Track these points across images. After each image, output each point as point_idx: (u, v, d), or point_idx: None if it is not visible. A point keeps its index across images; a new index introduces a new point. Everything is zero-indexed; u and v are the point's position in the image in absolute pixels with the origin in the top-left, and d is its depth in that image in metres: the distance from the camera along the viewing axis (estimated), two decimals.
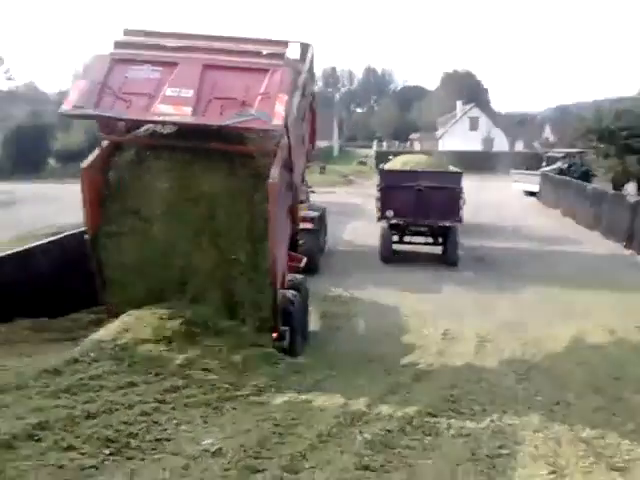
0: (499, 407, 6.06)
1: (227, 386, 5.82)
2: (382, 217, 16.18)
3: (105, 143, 7.35)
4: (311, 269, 14.30)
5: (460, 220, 16.03)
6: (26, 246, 9.02)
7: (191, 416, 4.86)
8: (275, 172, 6.79)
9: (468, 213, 17.19)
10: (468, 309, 12.05)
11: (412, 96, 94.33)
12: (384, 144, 63.18)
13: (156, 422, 4.56)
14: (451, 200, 15.82)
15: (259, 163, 7.25)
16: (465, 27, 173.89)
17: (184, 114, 6.51)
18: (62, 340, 7.27)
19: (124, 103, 6.58)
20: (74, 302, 8.34)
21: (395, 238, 16.71)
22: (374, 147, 59.97)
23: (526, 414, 5.83)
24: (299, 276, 10.08)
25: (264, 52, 7.51)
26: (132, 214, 7.21)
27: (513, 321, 11.20)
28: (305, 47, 11.17)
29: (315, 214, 15.04)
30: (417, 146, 58.21)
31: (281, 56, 7.56)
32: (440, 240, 16.56)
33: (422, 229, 16.39)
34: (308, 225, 14.40)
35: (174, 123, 6.99)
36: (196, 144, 7.17)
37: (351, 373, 7.60)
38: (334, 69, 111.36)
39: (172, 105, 6.58)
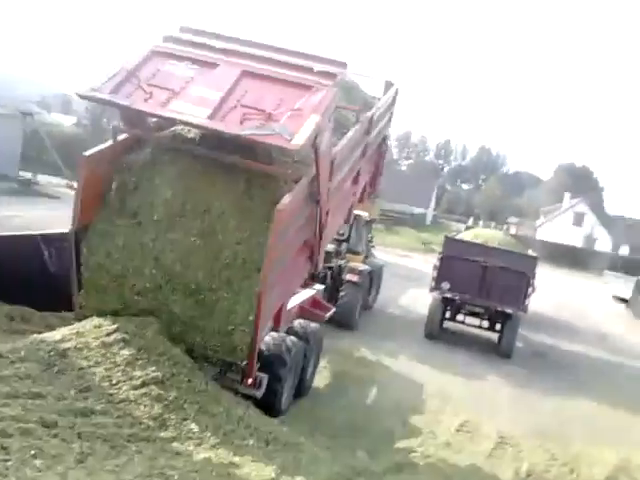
0: None
1: (151, 423, 5.08)
2: (435, 288, 14.58)
3: (122, 137, 7.02)
4: (347, 324, 13.49)
5: (524, 309, 14.26)
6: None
7: (64, 450, 4.14)
8: (287, 199, 6.13)
9: (545, 304, 15.65)
10: (501, 405, 10.61)
11: (522, 182, 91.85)
12: (480, 222, 61.22)
13: (4, 448, 3.86)
14: (519, 285, 14.11)
15: (281, 189, 6.60)
16: (588, 122, 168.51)
17: (199, 115, 6.03)
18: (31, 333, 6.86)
19: (143, 95, 6.22)
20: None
21: (447, 315, 15.14)
22: (468, 223, 58.28)
23: None
24: (313, 325, 9.26)
25: (315, 69, 6.89)
26: (129, 216, 6.76)
27: (550, 430, 9.60)
28: (389, 85, 10.66)
29: (365, 268, 14.16)
30: (513, 230, 55.83)
31: (332, 76, 6.81)
32: (497, 327, 14.82)
33: (479, 310, 14.72)
34: (354, 278, 13.62)
35: (185, 123, 6.54)
36: (215, 155, 6.68)
37: (321, 447, 6.57)
38: (448, 142, 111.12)
39: (191, 104, 6.14)
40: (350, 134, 8.07)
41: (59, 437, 4.30)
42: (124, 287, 6.58)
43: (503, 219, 64.67)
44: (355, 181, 9.26)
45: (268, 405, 7.27)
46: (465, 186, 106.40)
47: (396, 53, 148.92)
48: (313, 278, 13.44)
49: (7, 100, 26.57)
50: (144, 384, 5.50)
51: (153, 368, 5.71)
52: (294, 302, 10.16)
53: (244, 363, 6.37)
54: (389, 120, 10.92)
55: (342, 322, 13.48)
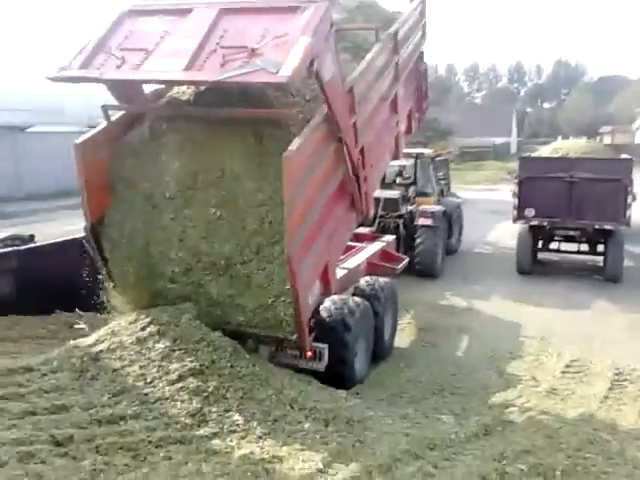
0: None
1: (188, 421, 4.46)
2: (519, 217, 12.76)
3: (117, 116, 6.31)
4: (429, 272, 12.49)
5: (627, 222, 12.15)
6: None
7: (69, 472, 3.59)
8: (295, 144, 5.17)
9: None
10: (616, 334, 9.25)
11: (611, 87, 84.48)
12: (570, 140, 56.88)
13: None
14: (615, 196, 12.01)
15: (292, 135, 5.56)
16: None
17: (173, 69, 5.17)
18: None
19: (115, 61, 5.44)
20: None
21: (540, 244, 13.57)
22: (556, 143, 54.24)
23: None
24: (382, 280, 8.37)
25: None
26: (142, 200, 6.12)
27: None
28: None
29: (438, 209, 12.86)
30: (607, 140, 51.28)
31: None
32: (599, 248, 12.98)
33: (574, 233, 12.79)
34: (427, 221, 12.45)
35: (160, 82, 5.74)
36: (214, 112, 5.83)
37: (399, 416, 5.69)
38: (519, 63, 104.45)
39: (165, 59, 5.27)
40: (370, 55, 6.95)
41: (69, 455, 3.77)
42: (154, 277, 6.00)
43: (595, 131, 59.67)
44: (394, 109, 8.11)
45: (337, 377, 6.55)
46: (547, 105, 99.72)
47: None
48: (384, 230, 12.57)
49: (72, 117, 26.74)
50: (181, 378, 4.91)
51: (191, 358, 5.10)
52: (359, 258, 9.37)
53: (294, 336, 5.60)
54: (422, 35, 9.58)
55: (424, 271, 12.48)
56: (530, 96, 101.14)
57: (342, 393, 5.97)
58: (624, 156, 14.03)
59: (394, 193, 13.13)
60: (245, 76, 4.79)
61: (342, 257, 9.42)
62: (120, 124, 6.24)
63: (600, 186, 12.11)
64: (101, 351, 5.22)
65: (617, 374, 7.58)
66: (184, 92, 6.17)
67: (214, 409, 4.65)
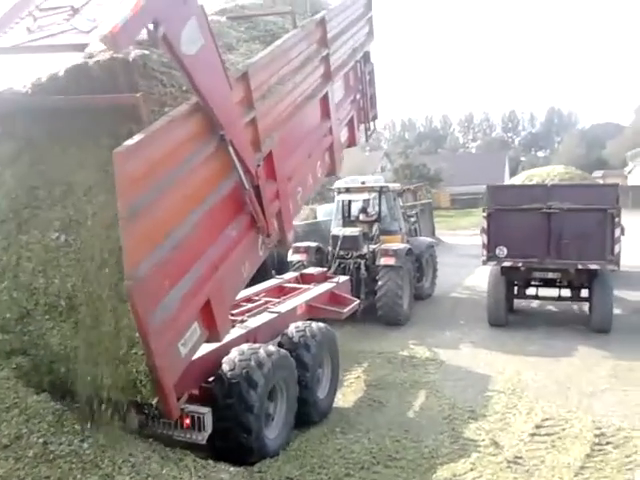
0: None
1: None
2: (489, 258, 10.72)
3: None
4: (392, 318, 11.13)
5: (616, 261, 10.13)
6: None
7: None
8: (134, 140, 3.88)
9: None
10: (599, 385, 7.80)
11: (602, 134, 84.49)
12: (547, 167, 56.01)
13: None
14: (601, 229, 10.09)
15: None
16: None
17: None
18: None
19: None
20: None
21: (515, 290, 11.46)
22: None
23: None
24: (316, 325, 7.05)
25: None
26: None
27: None
28: None
29: (402, 247, 11.50)
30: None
31: None
32: (584, 293, 10.88)
33: (553, 276, 10.74)
34: (389, 261, 11.08)
35: None
36: (56, 102, 4.66)
37: None
38: (513, 112, 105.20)
39: None
40: (280, 42, 5.84)
41: None
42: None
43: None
44: (325, 113, 6.96)
45: (238, 448, 5.25)
46: (541, 153, 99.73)
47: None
48: (344, 271, 11.23)
49: None
50: None
51: None
52: (296, 301, 8.03)
53: (154, 401, 4.20)
54: (369, 32, 8.53)
55: (386, 317, 11.10)
56: (524, 145, 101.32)
57: (222, 474, 4.53)
58: (609, 182, 12.74)
59: (354, 230, 11.88)
60: (49, 39, 3.61)
61: (276, 300, 8.14)
62: None
63: (583, 217, 10.30)
64: None
65: (598, 435, 6.15)
66: (25, 85, 4.95)
67: None
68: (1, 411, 3.87)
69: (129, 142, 3.85)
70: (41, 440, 3.74)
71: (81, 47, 3.94)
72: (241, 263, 5.33)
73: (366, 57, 8.71)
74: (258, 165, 5.23)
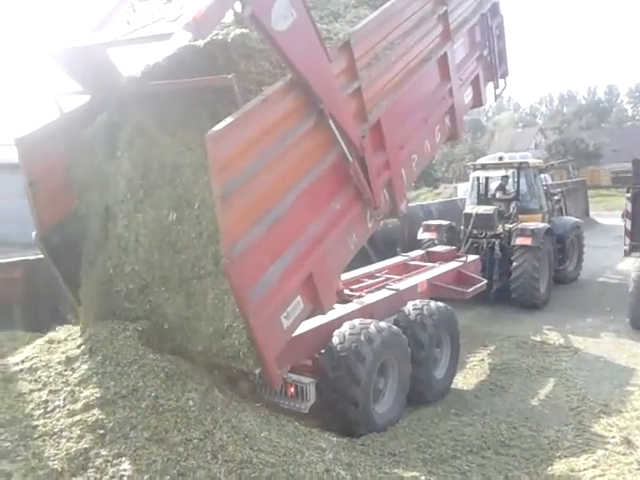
0: None
1: (63, 466, 3.47)
2: (634, 248, 9.34)
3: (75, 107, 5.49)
4: (528, 301, 10.52)
5: None
6: None
7: None
8: (226, 121, 3.97)
9: None
10: None
11: None
12: None
13: None
14: None
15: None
16: None
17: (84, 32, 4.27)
18: None
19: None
20: None
21: None
22: None
23: None
24: (435, 304, 6.88)
25: None
26: (99, 205, 5.28)
27: None
28: None
29: (540, 226, 10.75)
30: None
31: None
32: None
33: None
34: (525, 241, 10.44)
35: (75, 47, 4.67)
36: (164, 87, 4.85)
37: None
38: None
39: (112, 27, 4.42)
40: (387, 5, 5.63)
41: None
42: (111, 294, 5.10)
43: None
44: (444, 75, 6.61)
45: (343, 420, 5.34)
46: None
47: None
48: (477, 251, 10.77)
49: None
50: (85, 407, 3.91)
51: (112, 383, 4.10)
52: (416, 279, 7.87)
53: (257, 370, 4.34)
54: None
55: (521, 300, 10.50)
56: None
57: (322, 443, 4.58)
58: None
59: (488, 208, 11.30)
60: (141, 31, 3.79)
61: (397, 277, 8.05)
62: (77, 116, 5.40)
63: None
64: (21, 370, 4.40)
65: None
66: (139, 71, 5.22)
67: (104, 452, 3.57)
68: (123, 365, 4.26)
69: (221, 125, 3.94)
70: (153, 394, 4.04)
71: (167, 36, 4.02)
72: (347, 236, 5.28)
73: (494, 9, 8.12)
74: (363, 136, 5.14)
